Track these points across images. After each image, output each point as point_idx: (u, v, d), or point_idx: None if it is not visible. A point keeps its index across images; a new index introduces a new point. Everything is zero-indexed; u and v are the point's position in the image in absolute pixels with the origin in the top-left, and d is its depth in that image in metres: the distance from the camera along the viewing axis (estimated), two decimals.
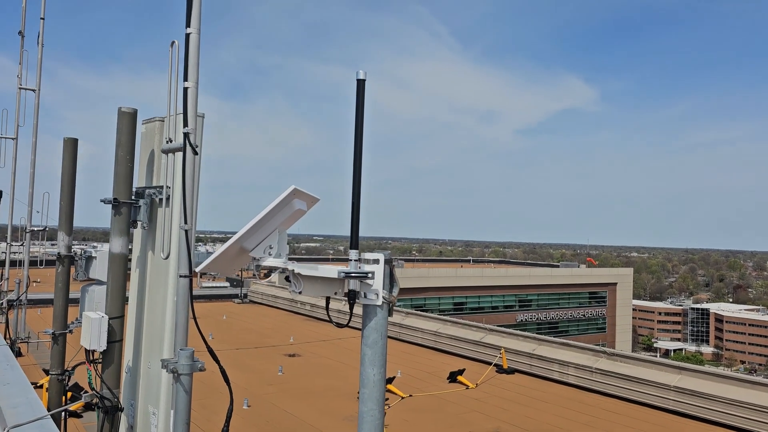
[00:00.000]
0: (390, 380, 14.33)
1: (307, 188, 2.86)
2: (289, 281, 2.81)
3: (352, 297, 2.76)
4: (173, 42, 3.45)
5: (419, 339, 20.22)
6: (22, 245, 10.05)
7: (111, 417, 4.17)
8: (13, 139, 10.39)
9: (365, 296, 2.69)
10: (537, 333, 54.62)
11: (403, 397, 13.82)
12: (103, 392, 4.28)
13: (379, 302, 2.65)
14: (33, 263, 9.85)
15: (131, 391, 4.36)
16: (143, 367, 4.38)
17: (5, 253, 11.30)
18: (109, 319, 4.25)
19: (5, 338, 8.18)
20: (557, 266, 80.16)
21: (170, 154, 3.73)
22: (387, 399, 13.43)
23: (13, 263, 11.97)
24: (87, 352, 4.41)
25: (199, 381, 15.46)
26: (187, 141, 3.39)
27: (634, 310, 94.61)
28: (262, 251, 2.81)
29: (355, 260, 2.71)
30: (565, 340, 16.49)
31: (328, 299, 2.97)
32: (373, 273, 2.65)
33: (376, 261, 2.68)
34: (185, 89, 3.45)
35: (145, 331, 4.33)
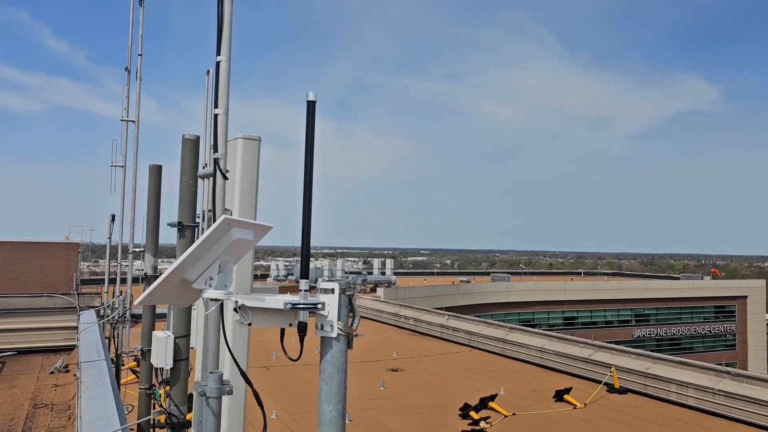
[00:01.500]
0: (492, 398, 14.03)
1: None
2: (237, 312, 2.67)
3: (301, 329, 2.64)
4: (209, 71, 3.61)
5: (524, 355, 19.66)
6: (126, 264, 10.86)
7: None
8: (121, 166, 11.31)
9: (321, 328, 2.56)
10: (656, 349, 51.44)
11: (505, 416, 13.47)
12: (171, 409, 4.46)
13: (334, 334, 2.52)
14: (135, 280, 10.63)
15: (200, 408, 4.55)
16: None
17: (115, 271, 12.34)
18: (176, 338, 4.45)
19: (109, 351, 8.92)
20: (677, 278, 75.13)
21: (237, 177, 3.90)
22: (489, 417, 13.17)
23: (112, 281, 13.07)
24: (156, 370, 4.67)
25: (302, 394, 15.77)
26: (217, 167, 3.44)
27: None
28: (203, 283, 2.70)
29: (304, 290, 2.59)
30: (683, 359, 15.40)
31: (282, 331, 2.83)
32: (323, 304, 2.52)
33: (331, 290, 2.55)
34: (215, 116, 3.50)
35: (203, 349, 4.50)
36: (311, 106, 2.60)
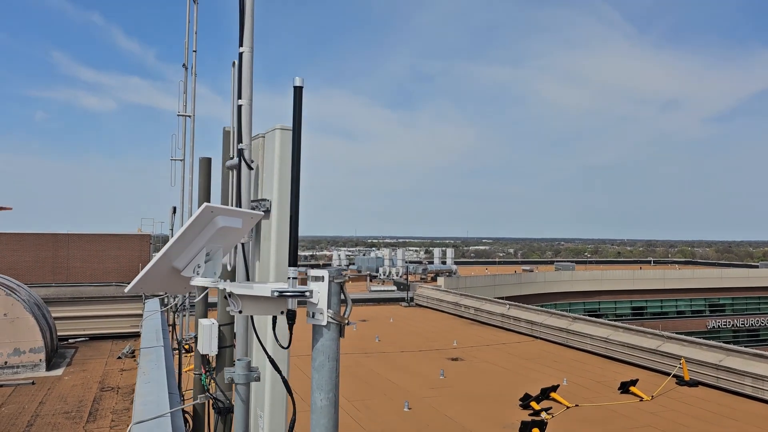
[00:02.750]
0: (554, 388, 13.72)
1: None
2: (227, 299, 2.68)
3: (290, 317, 2.64)
4: (234, 62, 3.59)
5: (588, 345, 19.14)
6: None
7: (224, 417, 4.43)
8: (180, 160, 11.65)
9: (312, 316, 2.53)
10: (733, 341, 49.13)
11: (568, 407, 13.15)
12: (216, 394, 4.54)
13: (324, 322, 2.48)
14: None
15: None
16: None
17: None
18: (220, 325, 4.49)
19: (172, 339, 9.23)
20: (756, 266, 71.35)
21: (275, 168, 3.87)
22: (550, 408, 12.89)
23: None
24: (202, 356, 4.75)
25: (363, 382, 15.95)
26: (241, 157, 3.41)
27: None
28: (191, 270, 2.68)
29: (292, 278, 2.56)
30: (758, 351, 14.59)
31: (274, 319, 2.83)
32: (311, 291, 2.49)
33: (321, 278, 2.52)
34: (239, 107, 3.47)
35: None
36: (298, 91, 2.54)
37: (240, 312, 2.61)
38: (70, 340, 13.22)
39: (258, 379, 2.81)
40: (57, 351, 12.04)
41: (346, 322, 2.56)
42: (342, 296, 2.53)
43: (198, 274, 2.65)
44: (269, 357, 2.74)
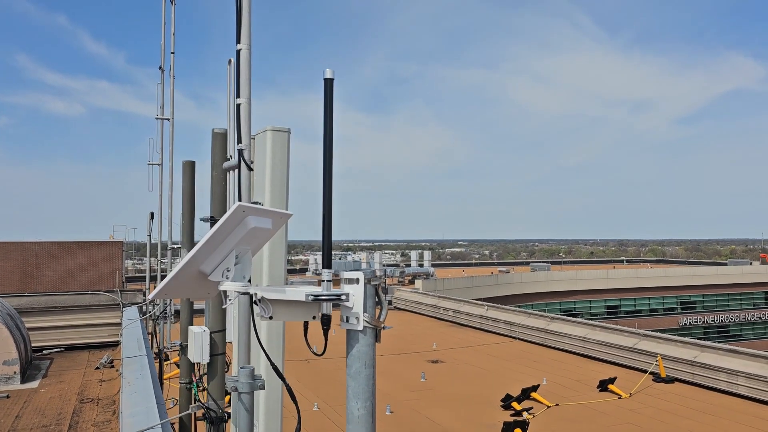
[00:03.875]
0: (534, 388, 13.83)
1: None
2: (257, 305, 2.50)
3: (325, 322, 2.49)
4: (230, 60, 3.55)
5: (566, 345, 19.34)
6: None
7: (216, 427, 4.36)
8: (158, 164, 11.47)
9: (347, 320, 2.41)
10: (704, 337, 50.11)
11: (548, 407, 13.26)
12: (208, 403, 4.45)
13: (360, 327, 2.36)
14: None
15: (236, 402, 4.53)
16: None
17: (155, 268, 12.57)
18: (211, 333, 4.41)
19: (152, 347, 9.08)
20: (725, 264, 72.95)
21: (267, 170, 3.86)
22: (532, 408, 12.98)
23: (153, 278, 13.35)
24: (193, 365, 4.68)
25: (344, 386, 15.91)
26: (241, 158, 3.33)
27: None
28: (220, 275, 2.54)
29: (327, 280, 2.39)
30: (732, 347, 14.90)
31: (306, 324, 2.64)
32: (348, 295, 2.36)
33: (355, 280, 2.38)
34: (238, 106, 3.39)
35: None
36: (329, 84, 2.40)
37: (271, 318, 2.45)
38: (45, 351, 12.94)
39: (263, 387, 2.73)
40: (32, 363, 11.76)
41: (383, 326, 2.45)
42: (377, 299, 2.41)
43: (227, 278, 2.54)
44: (273, 365, 2.68)
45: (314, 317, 2.54)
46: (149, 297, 2.58)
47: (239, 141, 3.39)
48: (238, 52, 3.36)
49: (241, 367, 2.68)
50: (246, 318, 2.72)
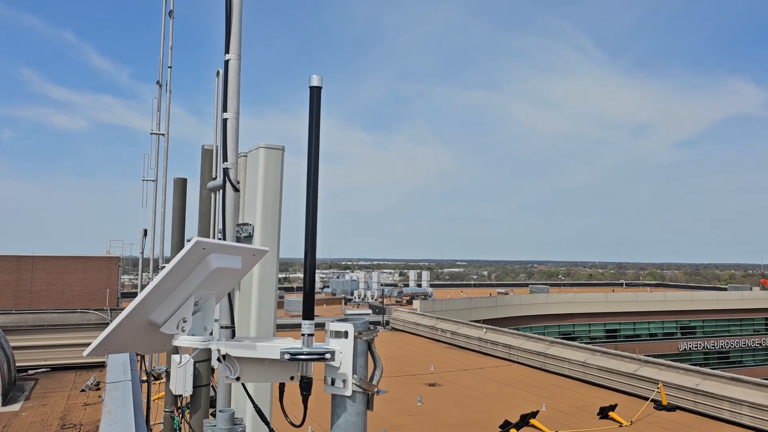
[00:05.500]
0: (534, 414, 13.48)
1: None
2: (221, 363, 2.07)
3: (305, 387, 2.04)
4: (218, 72, 3.29)
5: (566, 370, 18.99)
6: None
7: None
8: (153, 180, 11.25)
9: (332, 383, 1.97)
10: (704, 363, 49.55)
11: None
12: None
13: (348, 392, 1.94)
14: None
15: None
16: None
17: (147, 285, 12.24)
18: (195, 362, 4.12)
19: (140, 369, 8.76)
20: (725, 289, 72.53)
21: (259, 190, 3.61)
22: None
23: None
24: (175, 397, 4.38)
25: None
26: (226, 178, 3.03)
27: None
28: (174, 326, 2.00)
29: (308, 335, 1.97)
30: (736, 375, 14.58)
31: (281, 387, 2.17)
32: (333, 352, 1.94)
33: (343, 334, 1.97)
34: (224, 120, 3.10)
35: None
36: (315, 92, 2.16)
37: (237, 379, 2.01)
38: (30, 372, 12.58)
39: None
40: (15, 383, 11.40)
41: (376, 390, 1.99)
42: (370, 356, 2.00)
43: (183, 330, 2.03)
44: (257, 409, 2.33)
45: (292, 378, 2.11)
46: (84, 353, 1.96)
47: (225, 159, 3.10)
48: (227, 62, 3.08)
49: (220, 411, 2.32)
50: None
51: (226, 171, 3.06)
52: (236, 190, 3.10)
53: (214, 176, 3.65)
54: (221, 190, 3.12)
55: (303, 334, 1.98)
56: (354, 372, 1.95)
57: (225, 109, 3.08)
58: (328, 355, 1.94)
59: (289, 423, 2.11)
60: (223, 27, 3.07)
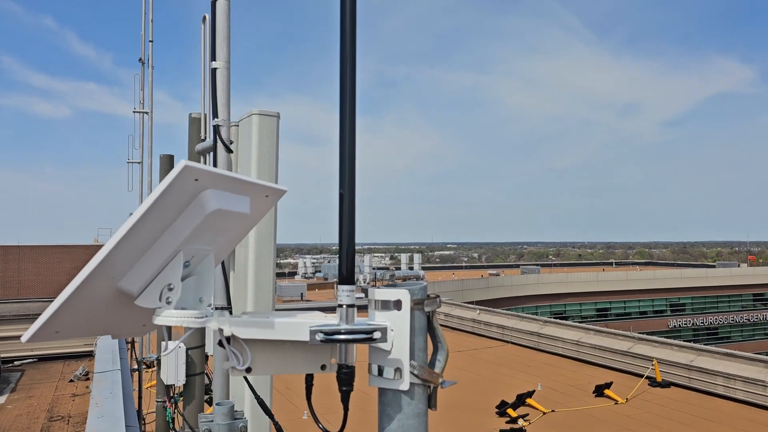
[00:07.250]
0: (530, 394, 13.43)
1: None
2: (225, 347, 1.41)
3: (346, 380, 1.43)
4: (204, 17, 2.94)
5: (560, 349, 18.98)
6: None
7: None
8: (138, 162, 10.94)
9: (380, 373, 1.39)
10: (694, 339, 50.01)
11: (544, 413, 12.87)
12: (185, 431, 3.90)
13: (404, 385, 1.38)
14: None
15: None
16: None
17: None
18: (188, 349, 3.84)
19: (131, 358, 8.55)
20: (713, 266, 73.16)
21: (253, 162, 3.32)
22: (527, 414, 12.57)
23: None
24: (167, 387, 4.13)
25: (334, 393, 15.80)
26: (217, 136, 2.56)
27: None
28: (155, 297, 1.34)
29: (347, 305, 1.36)
30: (729, 350, 14.61)
31: (309, 380, 1.57)
32: (383, 330, 1.33)
33: (395, 305, 1.36)
34: (213, 70, 2.64)
35: None
36: None
37: (249, 371, 1.43)
38: (16, 363, 12.32)
39: (245, 430, 1.95)
40: (0, 375, 11.16)
41: (441, 382, 1.43)
42: (429, 336, 1.42)
43: (169, 302, 1.36)
44: (259, 399, 1.95)
45: (323, 367, 1.53)
46: (23, 338, 1.23)
47: (215, 115, 2.61)
48: (214, 3, 2.65)
49: (217, 404, 1.83)
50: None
51: (216, 128, 2.59)
52: (229, 150, 2.65)
53: (203, 137, 3.24)
54: (211, 153, 2.67)
55: (340, 305, 1.36)
56: (411, 357, 1.38)
57: (213, 58, 2.66)
58: (377, 334, 1.32)
59: (321, 430, 1.58)
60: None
